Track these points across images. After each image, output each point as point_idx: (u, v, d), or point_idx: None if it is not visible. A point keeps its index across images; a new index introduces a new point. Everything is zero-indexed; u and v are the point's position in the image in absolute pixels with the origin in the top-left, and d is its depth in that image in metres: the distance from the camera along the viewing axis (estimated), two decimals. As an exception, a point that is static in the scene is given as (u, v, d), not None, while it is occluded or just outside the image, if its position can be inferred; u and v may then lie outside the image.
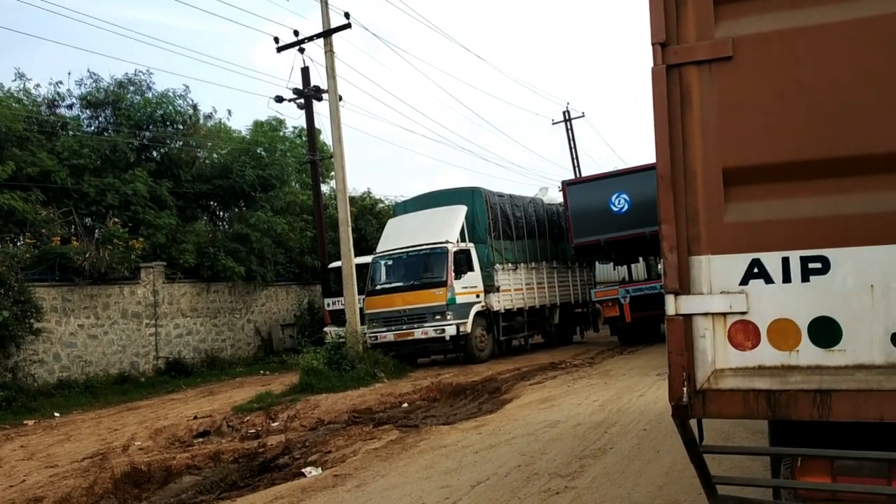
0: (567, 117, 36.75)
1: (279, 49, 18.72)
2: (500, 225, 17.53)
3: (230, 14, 75.67)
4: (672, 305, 2.84)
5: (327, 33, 16.56)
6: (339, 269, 17.20)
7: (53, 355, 15.12)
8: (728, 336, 2.82)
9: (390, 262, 16.62)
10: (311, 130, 21.36)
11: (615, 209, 16.72)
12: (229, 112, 31.32)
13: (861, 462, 2.81)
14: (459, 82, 62.96)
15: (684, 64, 2.85)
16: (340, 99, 16.50)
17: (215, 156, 22.32)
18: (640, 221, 15.84)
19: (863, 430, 2.76)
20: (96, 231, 17.42)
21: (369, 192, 27.74)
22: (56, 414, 12.63)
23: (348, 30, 16.62)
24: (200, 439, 9.79)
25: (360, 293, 16.31)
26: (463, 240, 16.37)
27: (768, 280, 2.76)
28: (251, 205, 21.58)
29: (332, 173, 19.52)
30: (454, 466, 6.53)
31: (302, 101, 20.77)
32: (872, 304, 2.63)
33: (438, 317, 15.45)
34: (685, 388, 2.81)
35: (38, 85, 20.35)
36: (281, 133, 26.85)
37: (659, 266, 17.70)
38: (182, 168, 20.29)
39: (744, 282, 2.79)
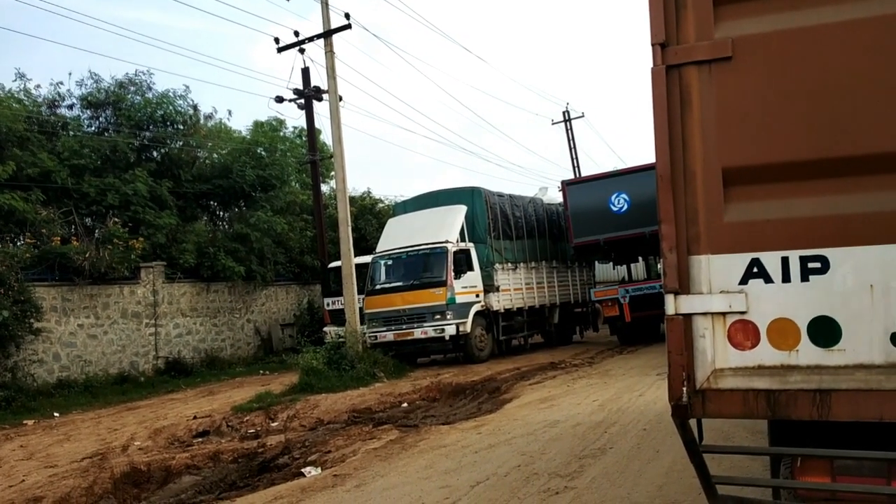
0: (567, 117, 36.77)
1: (279, 49, 18.74)
2: (500, 225, 17.53)
3: (230, 14, 75.72)
4: (672, 305, 2.85)
5: (327, 34, 16.56)
6: (338, 268, 17.20)
7: (53, 355, 15.12)
8: (728, 336, 2.82)
9: (390, 262, 16.63)
10: (312, 130, 21.36)
11: (615, 209, 16.72)
12: (229, 112, 31.41)
13: (861, 462, 2.81)
14: (459, 82, 63.00)
15: (684, 64, 2.85)
16: (340, 99, 16.50)
17: (215, 156, 22.33)
18: (640, 221, 15.85)
19: (862, 429, 2.76)
20: (96, 231, 17.43)
21: (369, 192, 27.79)
22: (55, 414, 12.63)
23: (348, 30, 16.65)
24: (200, 439, 9.79)
25: (359, 293, 16.32)
26: (463, 239, 16.37)
27: (768, 280, 2.76)
28: (251, 205, 21.59)
29: (332, 173, 19.53)
30: (454, 466, 6.53)
31: (302, 101, 20.78)
32: (872, 304, 2.64)
33: (438, 316, 15.45)
34: (685, 388, 2.81)
35: (38, 85, 20.35)
36: (281, 133, 26.86)
37: (658, 266, 17.71)
38: (182, 168, 20.30)
39: (743, 281, 2.79)
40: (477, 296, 16.18)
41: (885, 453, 2.70)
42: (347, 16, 16.65)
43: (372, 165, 64.50)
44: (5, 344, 13.55)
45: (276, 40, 18.78)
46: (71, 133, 18.90)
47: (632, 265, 20.49)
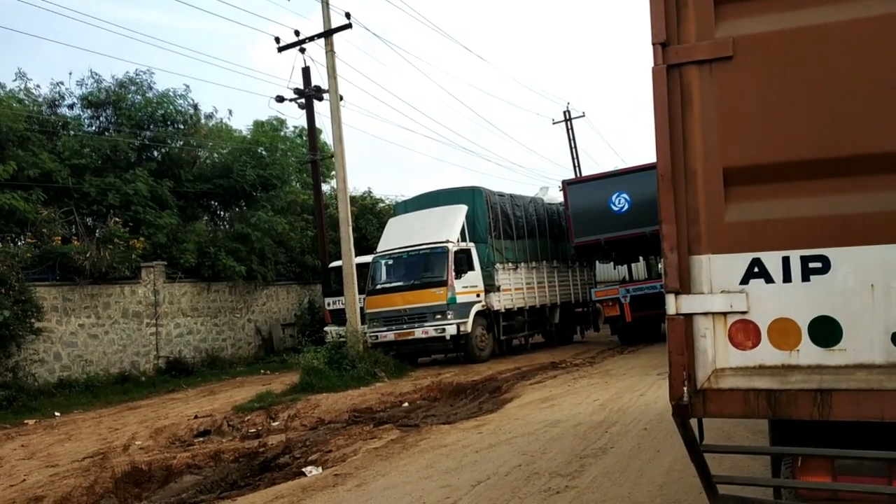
0: (567, 117, 36.75)
1: (280, 49, 18.73)
2: (501, 224, 17.53)
3: (231, 14, 75.69)
4: (672, 305, 2.85)
5: (328, 33, 16.57)
6: (339, 268, 17.21)
7: (54, 355, 15.14)
8: (728, 335, 2.82)
9: (391, 262, 16.63)
10: (312, 130, 21.36)
11: (615, 209, 16.71)
12: (230, 112, 31.48)
13: (861, 461, 2.81)
14: (460, 82, 63.01)
15: (685, 64, 2.85)
16: (341, 99, 16.51)
17: (216, 155, 22.35)
18: (641, 221, 15.84)
19: (863, 429, 2.76)
20: (97, 231, 17.45)
21: (370, 192, 27.79)
22: (56, 413, 12.64)
23: (349, 30, 16.66)
24: (201, 439, 9.79)
25: (360, 292, 16.33)
26: (463, 239, 16.37)
27: (769, 279, 2.76)
28: (252, 204, 21.60)
29: (333, 173, 19.52)
30: (454, 466, 6.53)
31: (303, 100, 20.77)
32: (873, 304, 2.64)
33: (439, 316, 15.45)
34: (686, 388, 2.81)
35: (37, 85, 20.39)
36: (282, 133, 26.87)
37: (659, 265, 17.72)
38: (183, 168, 20.31)
39: (744, 281, 2.79)
40: (478, 295, 16.18)
41: (886, 453, 2.70)
42: (348, 15, 16.67)
43: (372, 165, 64.55)
44: (6, 344, 13.56)
45: (277, 40, 18.78)
46: (71, 133, 18.92)
47: (632, 265, 20.48)
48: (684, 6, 2.86)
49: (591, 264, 21.65)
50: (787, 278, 2.74)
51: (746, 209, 2.80)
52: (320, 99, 20.36)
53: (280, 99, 20.63)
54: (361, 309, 16.12)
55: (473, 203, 17.02)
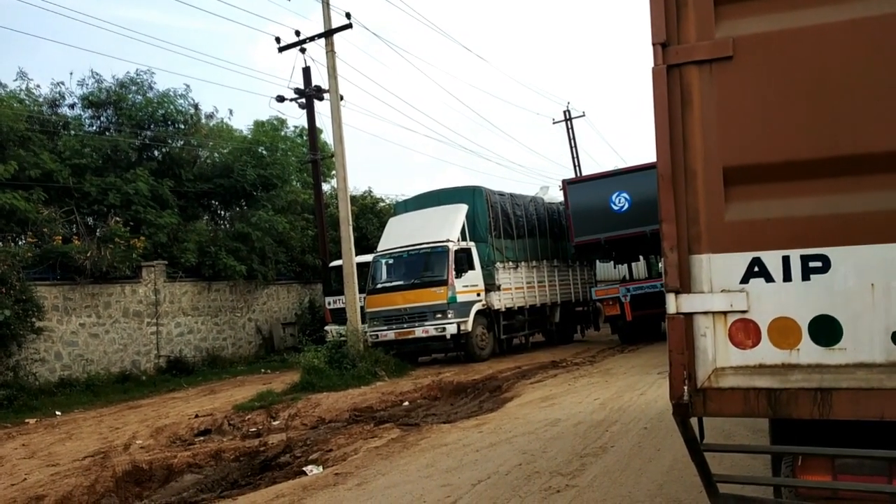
0: (568, 116, 36.73)
1: (280, 49, 18.73)
2: (501, 224, 17.54)
3: (231, 14, 75.73)
4: (673, 304, 2.85)
5: (328, 33, 16.57)
6: (340, 267, 17.21)
7: (55, 354, 15.15)
8: (729, 335, 2.82)
9: (391, 261, 16.63)
10: (313, 130, 21.37)
11: (615, 208, 16.71)
12: (230, 112, 31.49)
13: (862, 460, 2.81)
14: (460, 82, 63.00)
15: (685, 64, 2.85)
16: (342, 98, 16.51)
17: (216, 155, 22.35)
18: (641, 220, 15.84)
19: (863, 428, 2.76)
20: (98, 230, 17.46)
21: (370, 191, 27.79)
22: (57, 412, 12.65)
23: (349, 30, 16.65)
24: (201, 438, 9.81)
25: (361, 292, 16.33)
26: (464, 238, 16.38)
27: (769, 279, 2.76)
28: (252, 204, 21.61)
29: (334, 172, 19.51)
30: (455, 465, 6.54)
31: (303, 100, 20.77)
32: (873, 303, 2.64)
33: (439, 315, 15.46)
34: (686, 387, 2.81)
35: (38, 85, 20.41)
36: (282, 132, 26.87)
37: (659, 265, 17.72)
38: (183, 167, 20.32)
39: (744, 280, 2.79)
40: (478, 295, 16.19)
41: (886, 452, 2.71)
42: (348, 15, 16.67)
43: (373, 164, 64.55)
44: (7, 343, 13.57)
45: (277, 40, 18.78)
46: (72, 132, 18.92)
47: (633, 264, 20.49)
48: (684, 6, 2.86)
49: (592, 263, 21.66)
50: (787, 277, 2.74)
51: (746, 208, 2.80)
52: (321, 99, 20.37)
53: (280, 99, 20.65)
54: (362, 308, 16.13)
55: (474, 202, 17.03)
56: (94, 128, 19.91)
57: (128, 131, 19.12)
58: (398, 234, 17.07)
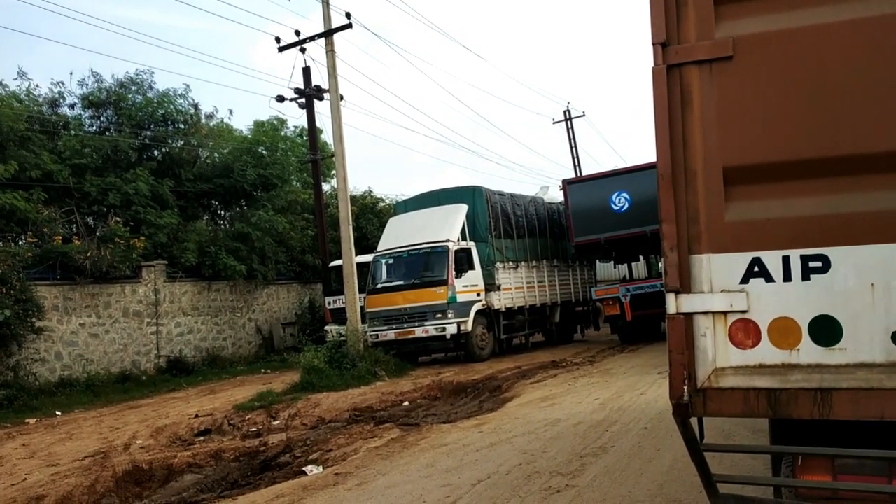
0: (568, 116, 36.73)
1: (280, 49, 18.73)
2: (501, 223, 17.53)
3: (231, 14, 75.73)
4: (673, 304, 2.85)
5: (328, 33, 16.57)
6: (340, 267, 17.22)
7: (55, 354, 15.15)
8: (729, 335, 2.82)
9: (391, 261, 16.64)
10: (313, 130, 21.37)
11: (615, 208, 16.71)
12: (230, 112, 31.48)
13: (862, 460, 2.81)
14: (460, 81, 63.00)
15: (685, 64, 2.85)
16: (342, 98, 16.51)
17: (216, 155, 22.36)
18: (641, 220, 15.84)
19: (863, 428, 2.76)
20: (98, 230, 17.46)
21: (370, 191, 27.81)
22: (57, 412, 12.65)
23: (349, 29, 16.65)
24: (202, 438, 9.81)
25: (360, 292, 16.33)
26: (464, 238, 16.38)
27: (769, 279, 2.76)
28: (252, 204, 21.61)
29: (334, 172, 19.52)
30: (455, 465, 6.54)
31: (303, 100, 20.77)
32: (873, 303, 2.64)
33: (439, 315, 15.46)
34: (686, 387, 2.81)
35: (37, 85, 20.44)
36: (282, 132, 26.90)
37: (659, 264, 17.72)
38: (183, 167, 20.32)
39: (744, 280, 2.79)
40: (478, 294, 16.19)
41: (886, 452, 2.71)
42: (348, 15, 16.67)
43: (373, 164, 64.55)
44: (7, 343, 13.57)
45: (277, 39, 18.78)
46: (72, 132, 18.93)
47: (633, 264, 20.48)
48: (684, 6, 2.86)
49: (592, 263, 21.65)
50: (787, 277, 2.74)
51: (746, 208, 2.80)
52: (321, 98, 20.37)
53: (280, 99, 20.65)
54: (362, 308, 16.13)
55: (474, 202, 17.03)
56: (94, 128, 19.92)
57: (128, 131, 19.12)
58: (398, 234, 17.07)
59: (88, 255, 15.45)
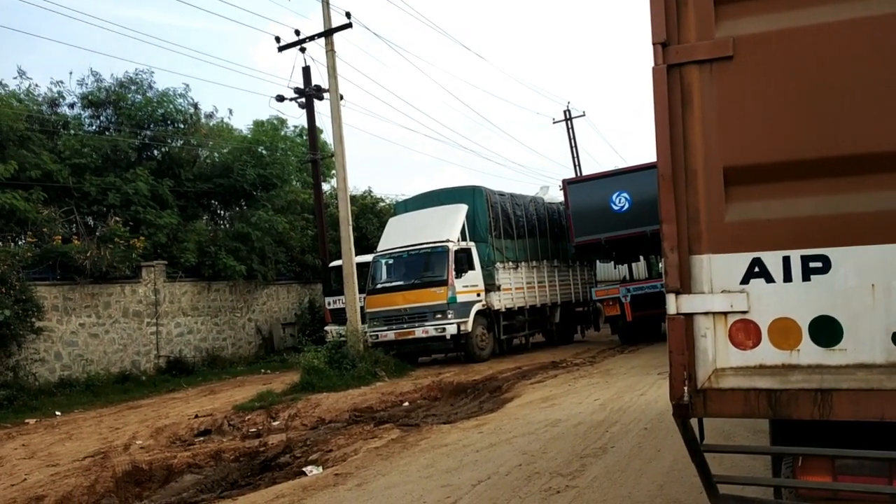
0: (568, 116, 36.71)
1: (280, 49, 18.73)
2: (501, 224, 17.53)
3: (231, 13, 75.70)
4: (673, 304, 2.85)
5: (328, 33, 16.57)
6: (339, 267, 17.21)
7: (55, 354, 15.15)
8: (729, 335, 2.82)
9: (391, 261, 16.63)
10: (313, 129, 21.37)
11: (616, 208, 16.71)
12: (230, 111, 31.46)
13: (862, 461, 2.81)
14: (460, 81, 62.96)
15: (685, 63, 2.85)
16: (341, 98, 16.51)
17: (216, 155, 22.36)
18: (641, 220, 15.84)
19: (864, 429, 2.76)
20: (98, 230, 17.46)
21: (370, 191, 27.81)
22: (57, 413, 12.65)
23: (349, 29, 16.65)
24: (201, 438, 9.80)
25: (360, 292, 16.33)
26: (464, 238, 16.37)
27: (769, 279, 2.76)
28: (252, 204, 21.61)
29: (333, 172, 19.52)
30: (455, 465, 6.54)
31: (303, 100, 20.76)
32: (873, 304, 2.63)
33: (439, 315, 15.46)
34: (686, 388, 2.81)
35: (37, 85, 20.43)
36: (282, 132, 26.90)
37: (660, 265, 17.71)
38: (183, 167, 20.32)
39: (745, 281, 2.79)
40: (478, 295, 16.18)
41: (887, 453, 2.70)
42: (348, 14, 16.67)
43: (373, 164, 64.56)
44: (7, 343, 13.57)
45: (277, 39, 18.78)
46: (72, 132, 18.93)
47: (633, 264, 20.48)
48: (684, 6, 2.86)
49: (592, 263, 21.65)
50: (787, 278, 2.74)
51: (747, 209, 2.80)
52: (321, 98, 20.36)
53: (280, 98, 20.64)
54: (362, 308, 16.12)
55: (474, 202, 17.03)
56: (94, 127, 19.92)
57: (127, 131, 19.12)
58: (398, 234, 17.07)
59: (88, 255, 15.45)
